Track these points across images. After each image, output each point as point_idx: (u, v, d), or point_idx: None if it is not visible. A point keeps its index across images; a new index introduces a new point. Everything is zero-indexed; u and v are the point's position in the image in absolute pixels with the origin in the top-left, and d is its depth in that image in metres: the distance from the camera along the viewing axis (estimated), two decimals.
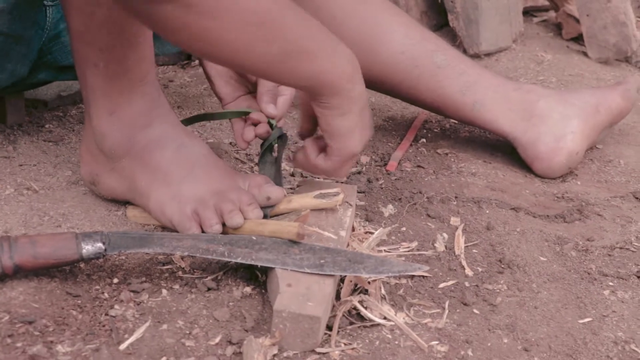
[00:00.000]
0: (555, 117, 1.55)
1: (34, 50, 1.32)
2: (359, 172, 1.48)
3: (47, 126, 1.50)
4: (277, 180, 1.24)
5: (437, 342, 1.05)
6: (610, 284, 1.23)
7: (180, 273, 1.12)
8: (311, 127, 1.25)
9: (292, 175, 1.44)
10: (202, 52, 1.08)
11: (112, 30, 1.10)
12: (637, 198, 1.50)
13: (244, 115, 1.28)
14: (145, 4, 0.94)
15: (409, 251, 1.25)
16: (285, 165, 1.46)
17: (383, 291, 1.13)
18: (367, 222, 1.31)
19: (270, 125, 1.26)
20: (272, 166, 1.26)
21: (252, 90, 1.31)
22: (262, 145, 1.28)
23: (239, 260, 1.08)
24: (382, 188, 1.43)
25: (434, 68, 1.58)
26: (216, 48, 1.02)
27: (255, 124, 1.27)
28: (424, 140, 1.65)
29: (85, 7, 1.09)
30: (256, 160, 1.48)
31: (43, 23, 1.30)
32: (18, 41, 1.26)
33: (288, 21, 1.05)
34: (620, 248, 1.32)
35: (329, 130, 1.17)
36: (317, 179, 1.41)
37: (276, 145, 1.27)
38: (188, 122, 1.34)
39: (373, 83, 1.63)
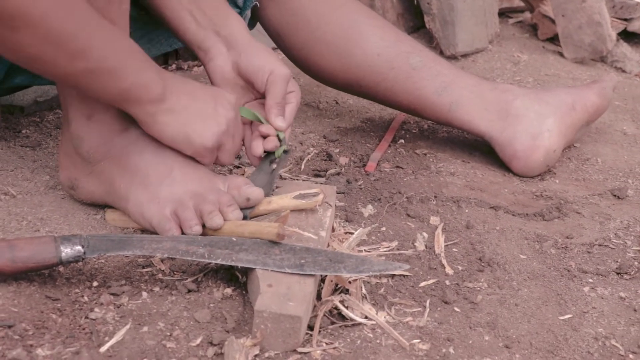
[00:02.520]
0: (531, 116, 1.56)
1: None
2: (338, 173, 1.48)
3: (24, 131, 1.49)
4: (267, 189, 1.23)
5: (418, 341, 1.06)
6: (590, 280, 1.23)
7: (160, 275, 1.12)
8: None
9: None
10: (8, 58, 1.09)
11: None
12: (615, 196, 1.51)
13: (255, 119, 1.28)
14: None
15: (389, 251, 1.25)
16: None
17: (364, 290, 1.13)
18: (346, 223, 1.31)
19: (278, 137, 1.26)
20: (267, 176, 1.25)
21: (258, 97, 1.32)
22: (265, 155, 1.28)
23: (219, 261, 1.08)
24: (361, 189, 1.43)
25: (409, 69, 1.58)
26: (19, 58, 1.06)
27: (264, 136, 1.27)
28: (403, 141, 1.66)
29: None
30: (235, 162, 1.47)
31: None
32: None
33: (94, 42, 1.06)
34: (600, 245, 1.33)
35: (163, 142, 1.18)
36: (297, 181, 1.41)
37: (278, 158, 1.27)
38: None
39: (349, 86, 1.63)
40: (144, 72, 1.13)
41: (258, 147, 1.27)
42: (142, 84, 1.12)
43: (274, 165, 1.27)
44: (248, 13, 1.58)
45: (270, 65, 1.28)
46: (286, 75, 1.29)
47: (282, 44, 1.63)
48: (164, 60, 1.94)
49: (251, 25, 1.63)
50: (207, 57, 1.31)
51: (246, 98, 1.31)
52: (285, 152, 1.28)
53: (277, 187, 1.31)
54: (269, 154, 1.28)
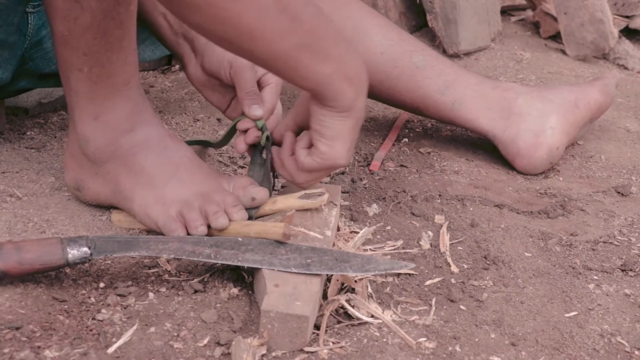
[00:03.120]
0: (533, 114, 1.56)
1: (17, 56, 1.31)
2: (343, 173, 1.48)
3: (28, 133, 1.50)
4: (266, 182, 1.23)
5: (424, 339, 1.06)
6: (595, 277, 1.24)
7: (166, 276, 1.12)
8: (296, 128, 1.23)
9: (276, 177, 1.44)
10: (217, 35, 1.04)
11: (95, 35, 1.10)
12: (619, 193, 1.51)
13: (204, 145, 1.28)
14: None
15: (394, 250, 1.26)
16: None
17: (370, 289, 1.13)
18: (352, 222, 1.32)
19: (260, 126, 1.25)
20: (261, 168, 1.25)
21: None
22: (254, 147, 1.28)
23: (225, 261, 1.08)
24: (366, 188, 1.43)
25: (413, 68, 1.59)
26: (233, 32, 1.01)
27: (244, 131, 1.25)
28: (407, 139, 1.66)
29: (69, 12, 1.09)
30: (240, 162, 1.48)
31: (25, 29, 1.30)
32: (2, 46, 1.26)
33: (309, 15, 1.04)
34: (604, 242, 1.33)
35: (322, 130, 1.13)
36: None
37: (265, 147, 1.27)
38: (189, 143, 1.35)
39: None
40: (349, 57, 1.09)
41: (240, 144, 1.24)
42: (342, 72, 1.09)
43: (264, 156, 1.26)
44: None
45: (228, 57, 1.26)
46: (247, 62, 1.25)
47: None
48: (167, 60, 1.94)
49: None
50: (183, 64, 1.31)
51: (229, 95, 1.30)
52: (268, 138, 1.25)
53: (282, 187, 1.32)
54: (257, 148, 1.27)
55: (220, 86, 1.29)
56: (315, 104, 1.12)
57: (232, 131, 1.29)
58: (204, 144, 1.40)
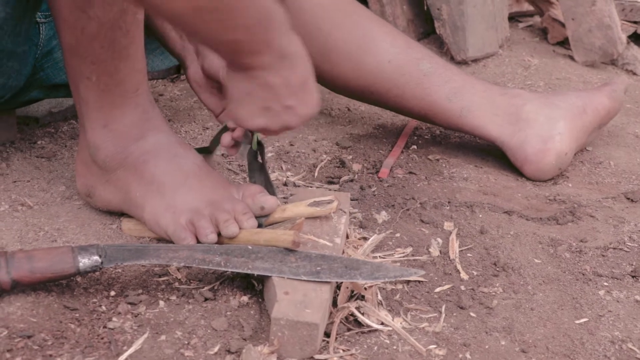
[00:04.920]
0: (541, 119, 1.56)
1: (29, 65, 1.32)
2: (352, 180, 1.48)
3: (39, 142, 1.50)
4: (269, 186, 1.24)
5: (435, 346, 1.06)
6: (605, 284, 1.23)
7: (176, 284, 1.12)
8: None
9: (285, 184, 1.45)
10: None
11: (103, 44, 1.11)
12: (628, 199, 1.51)
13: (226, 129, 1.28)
14: None
15: (404, 257, 1.26)
16: (277, 176, 1.47)
17: (379, 297, 1.13)
18: (361, 229, 1.32)
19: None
20: (261, 173, 1.26)
21: None
22: (247, 154, 1.28)
23: (235, 269, 1.08)
24: (374, 195, 1.44)
25: (420, 76, 1.59)
26: None
27: (232, 130, 1.25)
28: (415, 146, 1.66)
29: (76, 22, 1.09)
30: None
31: (36, 39, 1.31)
32: (10, 57, 1.27)
33: None
34: (614, 248, 1.33)
35: (226, 84, 1.13)
36: (311, 188, 1.41)
37: (258, 151, 1.27)
38: (214, 144, 1.35)
39: (361, 92, 1.64)
40: (252, 30, 1.05)
41: (226, 137, 1.24)
42: (247, 42, 1.06)
43: (260, 160, 1.27)
44: None
45: None
46: None
47: None
48: (176, 69, 1.95)
49: None
50: (184, 65, 1.32)
51: (225, 100, 1.30)
52: (259, 143, 1.25)
53: (291, 195, 1.32)
54: (250, 150, 1.26)
55: (217, 90, 1.29)
56: (235, 68, 1.11)
57: (222, 131, 1.29)
58: (206, 151, 1.39)
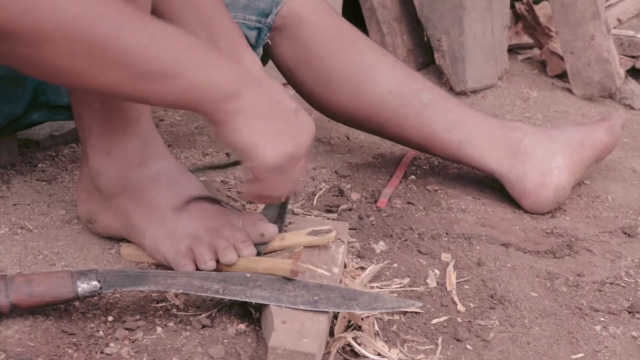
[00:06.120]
0: (540, 153, 1.57)
1: (29, 90, 1.33)
2: (350, 209, 1.49)
3: (40, 165, 1.51)
4: (279, 221, 1.24)
5: None
6: (602, 319, 1.24)
7: (174, 310, 1.12)
8: None
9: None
10: (43, 78, 1.04)
11: None
12: (625, 233, 1.52)
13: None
14: None
15: (401, 287, 1.26)
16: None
17: (376, 327, 1.13)
18: (359, 259, 1.32)
19: None
20: (277, 209, 1.26)
21: None
22: None
23: (233, 297, 1.09)
24: (373, 225, 1.44)
25: (420, 107, 1.60)
26: (53, 75, 0.99)
27: None
28: (414, 177, 1.67)
29: None
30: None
31: None
32: (14, 82, 1.28)
33: (131, 43, 0.97)
34: (611, 283, 1.33)
35: (230, 146, 1.10)
36: (309, 217, 1.42)
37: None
38: (196, 170, 1.35)
39: (361, 122, 1.65)
40: (211, 69, 1.04)
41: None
42: (211, 83, 1.03)
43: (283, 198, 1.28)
44: (260, 50, 1.61)
45: None
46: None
47: (294, 80, 1.65)
48: None
49: (263, 62, 1.65)
50: None
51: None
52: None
53: (290, 223, 1.32)
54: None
55: None
56: (208, 121, 1.09)
57: (238, 163, 1.30)
58: (210, 169, 1.40)
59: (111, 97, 1.11)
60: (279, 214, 1.26)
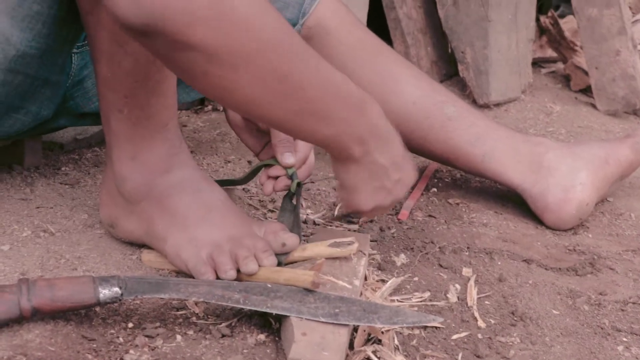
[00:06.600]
0: (563, 169, 1.56)
1: (60, 94, 1.34)
2: (371, 221, 1.48)
3: (63, 169, 1.52)
4: (295, 228, 1.24)
5: None
6: (624, 339, 1.23)
7: (194, 319, 1.12)
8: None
9: (305, 222, 1.45)
10: (220, 101, 1.09)
11: (137, 79, 1.12)
12: None
13: (264, 166, 1.29)
14: (169, 50, 0.96)
15: (421, 301, 1.25)
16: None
17: (396, 341, 1.13)
18: (379, 271, 1.32)
19: (290, 174, 1.27)
20: (291, 214, 1.26)
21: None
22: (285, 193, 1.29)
23: (254, 307, 1.08)
24: (394, 237, 1.44)
25: (444, 119, 1.60)
26: (233, 99, 1.03)
27: (275, 178, 1.27)
28: (435, 189, 1.67)
29: (113, 55, 1.11)
30: (269, 206, 1.49)
31: (69, 69, 1.33)
32: (44, 84, 1.28)
33: (309, 82, 1.05)
34: (634, 303, 1.32)
35: (338, 179, 1.23)
36: (331, 228, 1.42)
37: (295, 194, 1.28)
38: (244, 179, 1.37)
39: None
40: (355, 116, 1.13)
41: (267, 187, 1.27)
42: (349, 133, 1.13)
43: (294, 202, 1.28)
44: None
45: None
46: None
47: None
48: (200, 101, 1.97)
49: None
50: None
51: (265, 139, 1.31)
52: (299, 185, 1.27)
53: (311, 234, 1.32)
54: (287, 195, 1.28)
55: (257, 131, 1.30)
56: (330, 156, 1.20)
57: (256, 170, 1.31)
58: (230, 184, 1.40)
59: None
60: (293, 220, 1.26)
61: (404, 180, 1.24)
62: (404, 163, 1.24)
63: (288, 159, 1.25)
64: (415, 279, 1.31)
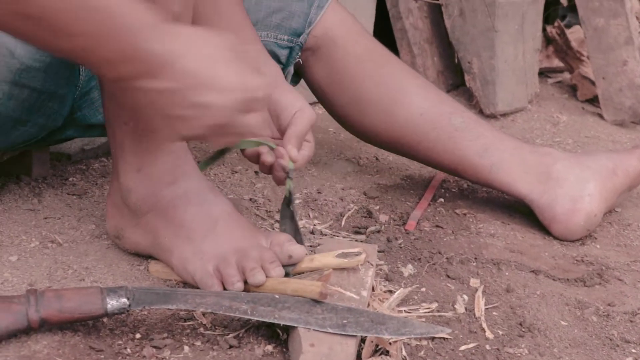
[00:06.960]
0: (571, 179, 1.56)
1: (67, 106, 1.34)
2: (379, 231, 1.48)
3: (70, 179, 1.52)
4: (297, 235, 1.25)
5: None
6: (633, 351, 1.22)
7: (201, 329, 1.12)
8: None
9: (312, 233, 1.45)
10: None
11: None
12: None
13: (260, 145, 1.28)
14: None
15: (429, 312, 1.25)
16: (304, 223, 1.47)
17: (404, 352, 1.12)
18: (386, 282, 1.31)
19: (287, 171, 1.27)
20: (291, 221, 1.27)
21: (275, 137, 1.32)
22: (282, 202, 1.29)
23: (262, 318, 1.08)
24: (401, 247, 1.44)
25: (451, 130, 1.60)
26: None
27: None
28: (442, 200, 1.66)
29: None
30: (276, 217, 1.49)
31: (76, 81, 1.33)
32: (51, 98, 1.29)
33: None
34: None
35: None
36: (338, 238, 1.42)
37: (289, 199, 1.28)
38: (206, 164, 1.34)
39: (391, 144, 1.65)
40: (99, 40, 0.98)
41: (268, 157, 1.28)
42: (94, 51, 1.00)
43: (291, 208, 1.28)
44: (291, 69, 1.61)
45: (301, 104, 1.31)
46: (313, 116, 1.31)
47: (325, 100, 1.65)
48: None
49: (294, 81, 1.65)
50: None
51: (266, 132, 1.32)
52: (290, 192, 1.27)
53: (318, 245, 1.32)
54: (284, 198, 1.28)
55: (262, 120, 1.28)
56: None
57: (254, 142, 1.28)
58: (221, 154, 1.36)
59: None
60: (295, 227, 1.26)
61: (214, 102, 1.04)
62: (213, 83, 1.04)
63: (296, 153, 1.26)
64: (423, 289, 1.31)
